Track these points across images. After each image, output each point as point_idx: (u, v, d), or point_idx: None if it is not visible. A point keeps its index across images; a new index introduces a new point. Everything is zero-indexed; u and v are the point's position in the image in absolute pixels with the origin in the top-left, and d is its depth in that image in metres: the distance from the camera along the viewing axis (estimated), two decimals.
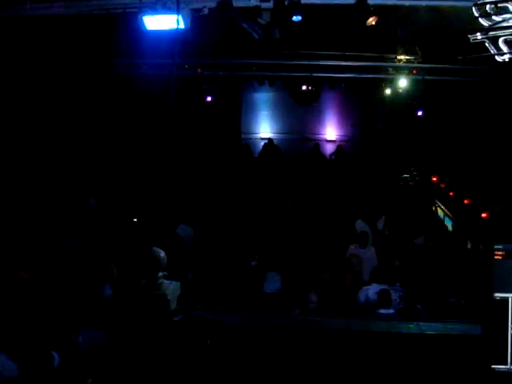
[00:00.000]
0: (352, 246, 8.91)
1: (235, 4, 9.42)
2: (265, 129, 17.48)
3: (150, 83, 11.98)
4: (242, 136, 17.15)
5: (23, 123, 10.90)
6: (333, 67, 13.44)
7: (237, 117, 17.06)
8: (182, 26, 8.62)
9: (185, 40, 10.57)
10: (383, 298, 6.48)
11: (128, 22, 9.64)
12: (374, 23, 11.01)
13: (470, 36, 5.89)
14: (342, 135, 17.72)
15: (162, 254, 4.62)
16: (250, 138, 17.08)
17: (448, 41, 9.83)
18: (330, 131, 17.78)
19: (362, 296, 7.07)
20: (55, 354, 4.54)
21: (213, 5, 9.01)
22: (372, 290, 6.94)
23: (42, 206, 9.74)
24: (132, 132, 13.01)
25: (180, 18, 8.43)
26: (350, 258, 8.52)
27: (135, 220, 10.44)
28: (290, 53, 13.48)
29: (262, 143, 16.55)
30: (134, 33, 9.73)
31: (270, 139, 15.89)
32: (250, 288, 7.35)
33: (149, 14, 8.37)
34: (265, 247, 9.08)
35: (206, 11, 8.90)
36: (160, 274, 4.51)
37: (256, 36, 13.52)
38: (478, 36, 5.89)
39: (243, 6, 9.76)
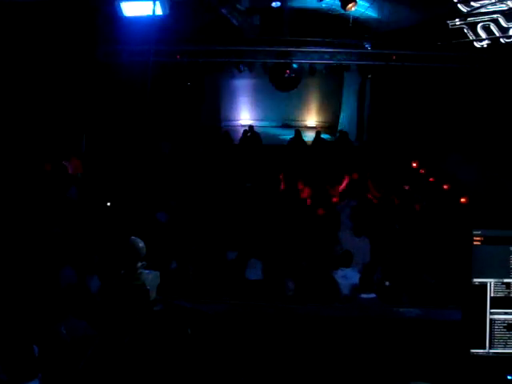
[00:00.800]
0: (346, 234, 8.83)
1: None
2: (245, 116, 17.44)
3: (130, 70, 11.84)
4: (223, 123, 17.09)
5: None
6: (312, 53, 13.45)
7: (216, 104, 16.98)
8: (159, 12, 8.53)
9: (164, 27, 10.46)
10: (364, 282, 6.47)
11: (109, 8, 9.51)
12: (353, 9, 11.07)
13: (448, 22, 5.90)
14: (322, 122, 17.75)
15: (141, 243, 4.59)
16: (230, 126, 17.04)
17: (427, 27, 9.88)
18: (311, 118, 17.81)
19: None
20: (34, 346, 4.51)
21: None
22: (338, 275, 6.98)
23: (24, 194, 9.60)
24: (113, 118, 12.84)
25: (158, 4, 8.36)
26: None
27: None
28: (269, 39, 13.44)
29: (242, 130, 16.49)
30: (114, 20, 9.63)
31: (250, 126, 15.81)
32: (232, 276, 7.35)
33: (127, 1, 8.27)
34: (245, 235, 9.07)
35: None
36: (139, 264, 4.48)
37: (235, 23, 13.49)
38: (457, 22, 5.91)
39: None
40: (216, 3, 12.11)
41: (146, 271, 4.49)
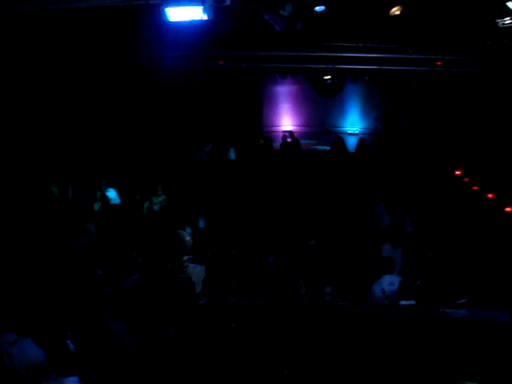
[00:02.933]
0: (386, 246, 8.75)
1: None
2: (286, 122, 17.42)
3: (172, 75, 12.03)
4: (264, 129, 17.11)
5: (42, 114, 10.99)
6: (355, 59, 13.35)
7: (258, 109, 17.02)
8: (204, 17, 8.64)
9: (206, 32, 10.61)
10: (404, 289, 6.36)
11: (151, 14, 9.70)
12: (398, 13, 10.92)
13: (498, 20, 5.75)
14: (364, 128, 17.57)
15: (188, 237, 4.65)
16: (272, 131, 17.06)
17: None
18: (352, 124, 17.65)
19: (376, 290, 6.88)
20: (70, 342, 4.63)
21: None
22: (385, 283, 6.84)
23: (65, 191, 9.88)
24: (155, 123, 13.06)
25: (202, 9, 8.46)
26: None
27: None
28: (312, 45, 13.41)
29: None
30: (156, 25, 9.82)
31: (290, 132, 15.81)
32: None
33: (171, 5, 8.40)
34: (282, 240, 9.08)
35: (228, 2, 8.85)
36: (185, 257, 4.53)
37: (277, 28, 13.53)
38: (507, 20, 5.74)
39: None
40: (259, 9, 12.19)
41: (192, 265, 4.54)
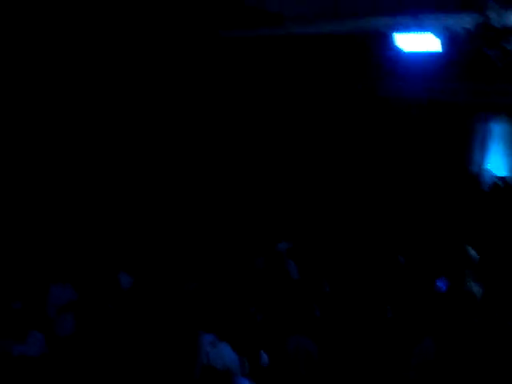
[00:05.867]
0: None
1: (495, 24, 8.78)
2: (497, 164, 16.07)
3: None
4: (470, 169, 15.95)
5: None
6: None
7: (466, 148, 15.96)
8: (437, 48, 8.34)
9: (434, 63, 10.26)
10: None
11: (380, 42, 9.63)
12: None
13: None
14: None
15: (473, 252, 4.31)
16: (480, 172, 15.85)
17: None
18: None
19: None
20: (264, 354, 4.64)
21: (471, 26, 8.46)
22: None
23: None
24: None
25: (436, 39, 8.17)
26: None
27: None
28: None
29: (492, 179, 15.18)
30: (382, 54, 9.72)
31: (502, 177, 14.54)
32: None
33: (403, 32, 8.24)
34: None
35: (463, 33, 8.43)
36: (468, 272, 4.20)
37: (499, 64, 12.60)
38: None
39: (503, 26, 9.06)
40: (484, 44, 11.49)
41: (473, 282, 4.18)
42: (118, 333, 5.98)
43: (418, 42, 8.28)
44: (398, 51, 8.32)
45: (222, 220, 9.82)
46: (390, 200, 11.80)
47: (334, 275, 7.50)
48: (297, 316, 5.77)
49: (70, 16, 7.44)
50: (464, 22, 8.32)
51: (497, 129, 15.48)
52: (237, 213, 10.18)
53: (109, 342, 5.71)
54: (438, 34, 8.18)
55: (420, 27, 8.06)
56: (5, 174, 7.06)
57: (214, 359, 5.03)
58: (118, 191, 8.56)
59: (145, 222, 8.81)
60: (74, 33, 7.56)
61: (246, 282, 6.99)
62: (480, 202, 12.99)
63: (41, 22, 6.85)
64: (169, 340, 5.65)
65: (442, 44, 8.32)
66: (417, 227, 10.43)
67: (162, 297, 6.41)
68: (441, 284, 4.54)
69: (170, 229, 8.91)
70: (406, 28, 8.18)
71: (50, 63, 7.27)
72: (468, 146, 15.37)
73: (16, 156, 7.15)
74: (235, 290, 6.65)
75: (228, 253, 8.20)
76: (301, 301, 6.77)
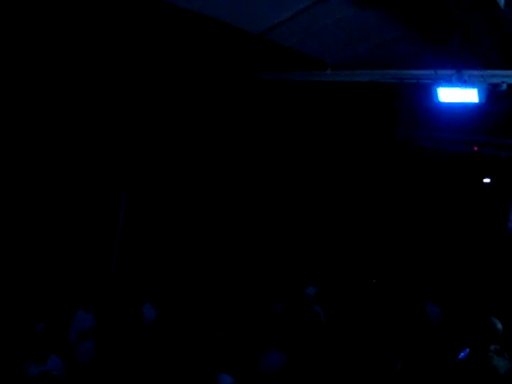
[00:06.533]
0: None
1: None
2: None
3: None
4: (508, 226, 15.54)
5: None
6: None
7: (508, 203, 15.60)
8: (476, 100, 8.28)
9: (466, 114, 10.19)
10: None
11: (412, 93, 9.64)
12: None
13: None
14: None
15: (499, 324, 4.17)
16: None
17: None
18: None
19: None
20: None
21: None
22: None
23: None
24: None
25: (477, 92, 8.13)
26: None
27: None
28: None
29: None
30: (416, 104, 9.72)
31: None
32: None
33: (444, 86, 8.24)
34: None
35: (504, 87, 8.37)
36: (492, 346, 4.06)
37: None
38: None
39: None
40: None
41: (497, 357, 4.02)
42: (136, 364, 5.98)
43: (458, 95, 8.24)
44: (438, 103, 8.27)
45: (249, 264, 9.88)
46: (422, 255, 11.64)
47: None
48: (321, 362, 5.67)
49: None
50: (507, 78, 8.28)
51: None
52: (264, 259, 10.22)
53: (126, 372, 5.71)
54: (480, 89, 8.13)
55: (462, 81, 8.06)
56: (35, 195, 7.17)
57: None
58: (152, 223, 8.65)
59: (176, 257, 8.89)
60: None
61: (265, 325, 6.93)
62: None
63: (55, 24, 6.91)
64: (187, 378, 5.62)
65: (484, 98, 8.25)
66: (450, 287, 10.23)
67: (185, 335, 6.39)
68: (463, 355, 4.39)
69: (198, 265, 8.96)
70: (448, 81, 8.18)
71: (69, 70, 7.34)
72: (506, 202, 15.04)
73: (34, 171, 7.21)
74: (254, 332, 6.61)
75: (250, 298, 8.21)
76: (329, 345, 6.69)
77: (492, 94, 8.56)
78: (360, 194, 12.52)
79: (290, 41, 9.30)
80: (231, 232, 9.93)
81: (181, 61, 8.34)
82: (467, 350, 4.35)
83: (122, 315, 7.04)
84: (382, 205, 13.00)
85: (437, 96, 8.30)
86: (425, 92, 8.52)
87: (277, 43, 9.27)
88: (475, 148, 12.34)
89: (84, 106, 7.43)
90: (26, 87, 6.80)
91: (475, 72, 7.89)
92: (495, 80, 8.25)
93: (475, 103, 8.29)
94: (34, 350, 5.48)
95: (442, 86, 8.24)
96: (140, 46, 7.75)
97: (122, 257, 8.12)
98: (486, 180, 13.93)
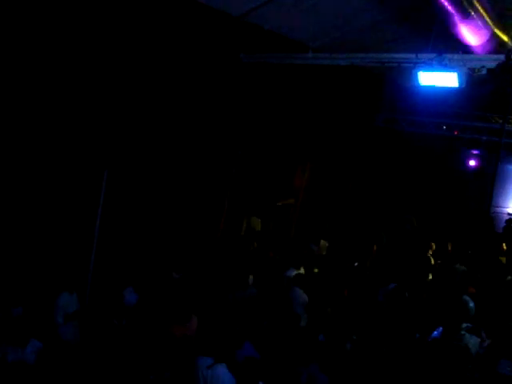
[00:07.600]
0: None
1: None
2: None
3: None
4: (492, 209, 15.73)
5: None
6: None
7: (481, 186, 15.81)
8: (456, 84, 8.32)
9: (447, 99, 10.24)
10: None
11: (393, 77, 9.63)
12: None
13: None
14: None
15: (471, 303, 4.24)
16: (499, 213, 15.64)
17: None
18: None
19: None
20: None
21: (493, 65, 8.43)
22: None
23: None
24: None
25: (457, 76, 8.16)
26: None
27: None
28: None
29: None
30: (397, 88, 9.73)
31: None
32: None
33: (424, 69, 8.27)
34: None
35: (484, 71, 8.40)
36: (464, 324, 4.13)
37: None
38: None
39: None
40: (506, 84, 11.46)
41: (469, 334, 4.10)
42: (118, 347, 6.00)
43: (439, 78, 8.27)
44: (419, 86, 8.29)
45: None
46: (403, 239, 11.74)
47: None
48: (302, 344, 5.71)
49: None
50: (488, 62, 8.32)
51: None
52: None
53: (107, 355, 5.72)
54: (460, 73, 8.16)
55: (443, 65, 8.08)
56: (16, 180, 7.10)
57: (211, 382, 5.02)
58: (133, 206, 8.61)
59: (157, 241, 8.87)
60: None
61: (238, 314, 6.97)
62: (493, 243, 12.78)
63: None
64: (167, 361, 5.64)
65: (464, 82, 8.29)
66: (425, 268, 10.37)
67: (165, 319, 6.40)
68: (437, 334, 4.47)
69: (178, 248, 8.96)
70: (428, 65, 8.20)
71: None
72: (483, 184, 15.23)
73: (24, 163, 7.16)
74: (234, 315, 6.63)
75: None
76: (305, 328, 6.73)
77: (472, 79, 8.63)
78: (340, 176, 12.58)
79: (270, 23, 9.27)
80: (209, 214, 9.96)
81: (161, 42, 8.24)
82: (440, 328, 4.42)
83: (104, 299, 7.03)
84: (362, 188, 13.09)
85: (417, 79, 8.32)
86: (406, 76, 8.53)
87: (258, 25, 9.22)
88: (456, 132, 12.45)
89: (64, 88, 7.32)
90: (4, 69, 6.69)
91: (456, 56, 7.90)
92: (475, 64, 8.27)
93: (456, 88, 8.33)
94: (13, 334, 5.45)
95: (423, 69, 8.27)
96: (120, 28, 7.63)
97: (103, 240, 8.08)
98: (472, 162, 14.08)
